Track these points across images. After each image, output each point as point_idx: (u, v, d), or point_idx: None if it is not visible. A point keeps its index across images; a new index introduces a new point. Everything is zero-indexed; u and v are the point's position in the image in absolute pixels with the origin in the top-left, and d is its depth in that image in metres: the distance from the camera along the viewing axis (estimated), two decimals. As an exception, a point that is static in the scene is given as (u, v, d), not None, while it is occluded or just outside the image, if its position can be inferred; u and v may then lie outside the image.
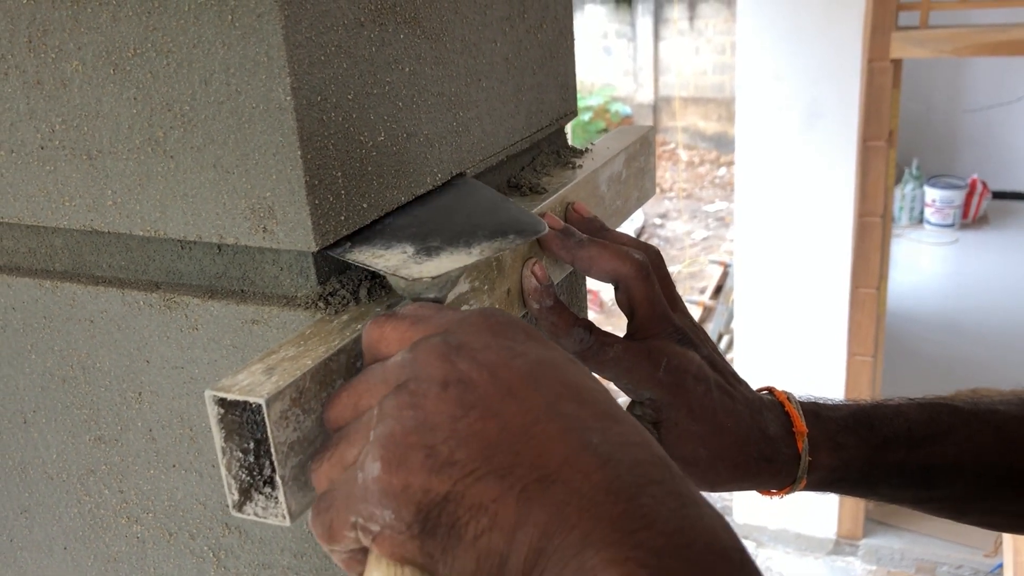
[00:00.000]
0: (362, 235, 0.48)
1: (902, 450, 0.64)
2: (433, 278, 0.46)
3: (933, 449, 0.64)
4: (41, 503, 0.64)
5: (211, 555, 0.58)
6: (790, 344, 3.31)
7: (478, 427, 0.36)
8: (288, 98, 0.44)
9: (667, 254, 6.74)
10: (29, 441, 0.62)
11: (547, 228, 0.55)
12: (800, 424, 0.61)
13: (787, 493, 0.63)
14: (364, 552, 0.39)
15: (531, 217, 0.53)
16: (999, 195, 6.14)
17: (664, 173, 8.27)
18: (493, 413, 0.36)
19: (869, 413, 0.65)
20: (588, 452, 0.36)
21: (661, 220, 7.48)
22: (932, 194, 5.94)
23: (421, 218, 0.48)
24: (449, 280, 0.47)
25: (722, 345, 4.91)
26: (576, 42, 0.74)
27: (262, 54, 0.44)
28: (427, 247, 0.45)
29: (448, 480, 0.35)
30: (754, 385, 0.64)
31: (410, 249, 0.45)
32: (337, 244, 0.48)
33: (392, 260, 0.46)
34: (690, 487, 0.36)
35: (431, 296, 0.47)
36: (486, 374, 0.37)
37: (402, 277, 0.46)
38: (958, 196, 5.90)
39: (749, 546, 3.61)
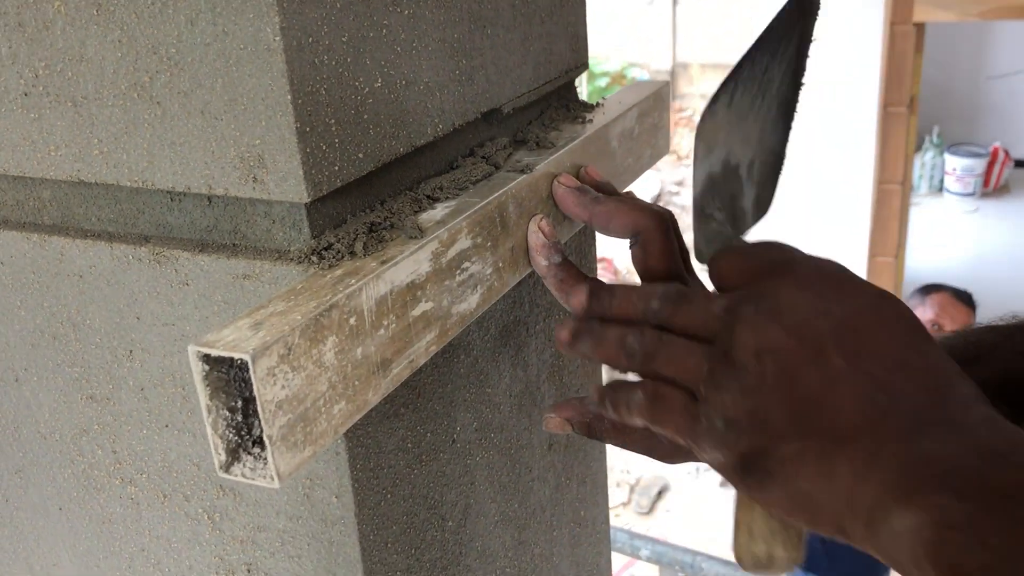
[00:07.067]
0: None
1: None
2: None
3: (976, 370, 0.61)
4: (35, 463, 0.62)
5: (205, 517, 0.57)
6: (806, 313, 3.27)
7: (786, 394, 0.44)
8: (277, 39, 0.42)
9: (683, 222, 6.68)
10: (22, 400, 0.60)
11: None
12: None
13: None
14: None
15: None
16: (1021, 164, 6.04)
17: (681, 140, 8.18)
18: (798, 381, 0.43)
19: None
20: (878, 412, 0.41)
21: (678, 187, 7.40)
22: (953, 162, 5.85)
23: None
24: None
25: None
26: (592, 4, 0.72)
27: (249, -9, 0.41)
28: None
29: (763, 438, 0.44)
30: None
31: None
32: None
33: None
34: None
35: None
36: (793, 341, 0.44)
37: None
38: (979, 164, 5.81)
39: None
